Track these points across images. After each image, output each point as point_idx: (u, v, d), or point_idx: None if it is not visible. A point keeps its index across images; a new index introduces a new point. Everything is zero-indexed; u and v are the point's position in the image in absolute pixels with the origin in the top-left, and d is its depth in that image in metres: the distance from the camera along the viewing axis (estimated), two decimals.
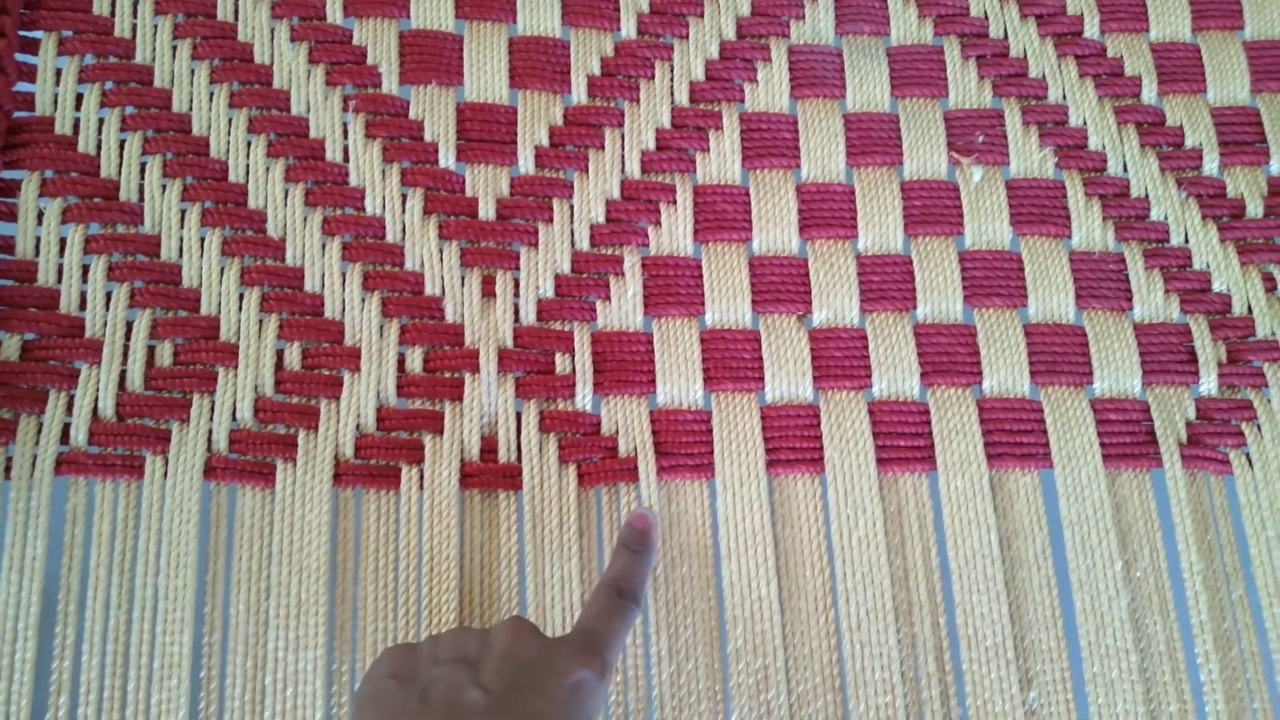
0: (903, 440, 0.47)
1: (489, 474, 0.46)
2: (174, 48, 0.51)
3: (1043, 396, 0.48)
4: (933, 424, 0.47)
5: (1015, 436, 0.47)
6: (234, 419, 0.46)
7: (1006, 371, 0.48)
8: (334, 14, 0.52)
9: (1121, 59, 0.54)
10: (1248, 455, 0.47)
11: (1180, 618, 0.45)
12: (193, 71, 0.50)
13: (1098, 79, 0.53)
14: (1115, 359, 0.49)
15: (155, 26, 0.51)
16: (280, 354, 0.47)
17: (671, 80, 0.52)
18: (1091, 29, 0.54)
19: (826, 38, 0.54)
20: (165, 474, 0.44)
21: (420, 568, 0.44)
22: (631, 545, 0.43)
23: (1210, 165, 0.52)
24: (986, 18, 0.54)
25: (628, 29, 0.53)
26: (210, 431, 0.45)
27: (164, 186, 0.49)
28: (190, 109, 0.50)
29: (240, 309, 0.47)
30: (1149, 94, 0.53)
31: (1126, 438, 0.48)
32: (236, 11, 0.51)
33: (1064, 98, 0.53)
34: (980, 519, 0.46)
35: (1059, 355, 0.49)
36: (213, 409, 0.46)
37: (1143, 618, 0.45)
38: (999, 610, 0.45)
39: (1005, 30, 0.54)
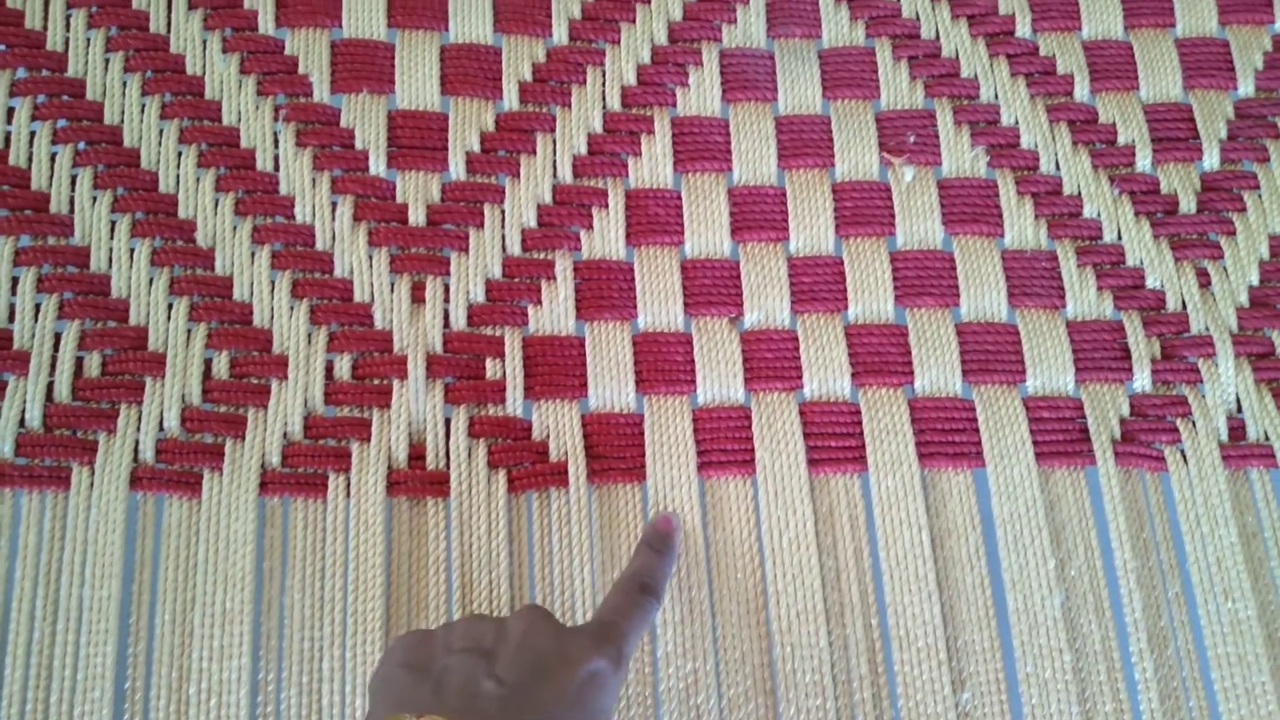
0: (834, 441, 0.47)
1: (417, 481, 0.46)
2: (106, 60, 0.51)
3: (975, 395, 0.48)
4: (864, 424, 0.47)
5: (947, 436, 0.47)
6: (161, 429, 0.46)
7: (938, 371, 0.48)
8: (266, 25, 0.52)
9: (1053, 58, 0.54)
10: (1182, 451, 0.47)
11: (1115, 616, 0.44)
12: (124, 84, 0.50)
13: (1029, 78, 0.53)
14: (1048, 357, 0.49)
15: (88, 40, 0.51)
16: (208, 363, 0.47)
17: (603, 85, 0.52)
18: (1023, 28, 0.54)
19: (758, 41, 0.54)
20: (91, 485, 0.44)
21: (347, 576, 0.44)
22: (655, 545, 0.43)
23: (1143, 162, 0.52)
24: (918, 19, 0.54)
25: (559, 34, 0.53)
26: (137, 442, 0.45)
27: (94, 198, 0.49)
28: (122, 121, 0.50)
29: (169, 319, 0.47)
30: (1081, 92, 0.53)
31: (1060, 435, 0.47)
32: (169, 24, 0.52)
33: (995, 97, 0.53)
34: (912, 519, 0.46)
35: (991, 354, 0.49)
36: (140, 419, 0.46)
37: (1077, 616, 0.45)
38: (931, 611, 0.44)
39: (937, 31, 0.54)
